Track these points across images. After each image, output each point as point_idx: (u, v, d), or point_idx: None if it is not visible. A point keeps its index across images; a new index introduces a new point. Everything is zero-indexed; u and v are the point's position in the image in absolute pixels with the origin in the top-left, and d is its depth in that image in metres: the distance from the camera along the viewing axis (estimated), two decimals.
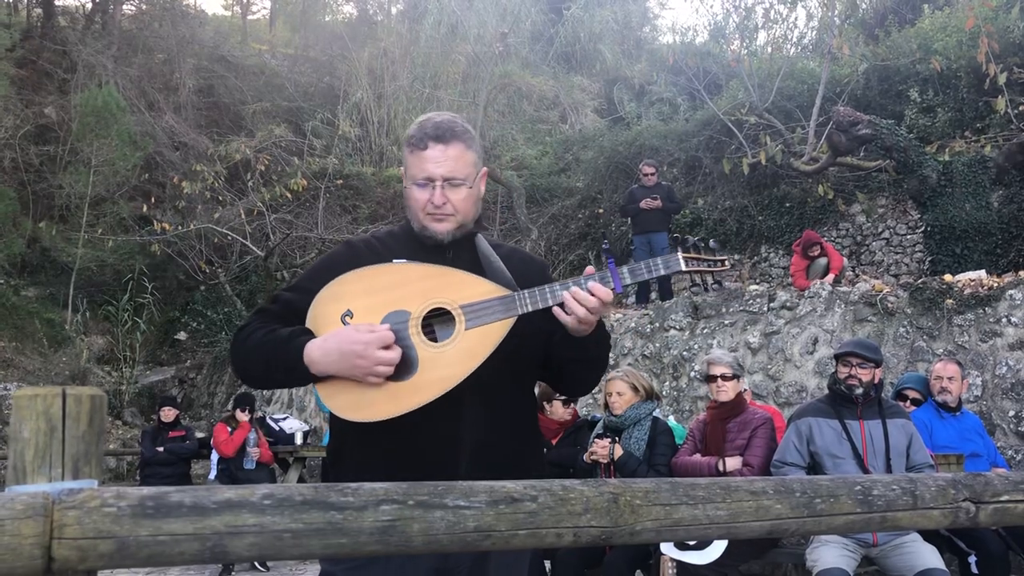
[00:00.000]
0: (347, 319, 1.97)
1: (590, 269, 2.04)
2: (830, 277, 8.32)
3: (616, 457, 4.75)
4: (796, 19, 25.85)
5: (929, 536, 4.16)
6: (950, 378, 5.28)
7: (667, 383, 8.57)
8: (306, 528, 1.21)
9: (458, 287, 2.01)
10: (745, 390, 5.21)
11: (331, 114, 20.07)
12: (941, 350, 7.06)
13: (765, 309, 8.24)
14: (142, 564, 1.16)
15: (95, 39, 21.52)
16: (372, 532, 1.25)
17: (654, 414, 5.03)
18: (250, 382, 2.20)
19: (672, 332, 8.82)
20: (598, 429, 5.10)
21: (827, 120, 10.82)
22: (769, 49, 15.04)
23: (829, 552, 4.08)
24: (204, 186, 16.63)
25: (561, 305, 1.97)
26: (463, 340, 1.97)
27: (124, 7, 24.22)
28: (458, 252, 2.13)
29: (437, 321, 2.01)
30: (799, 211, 11.84)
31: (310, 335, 1.97)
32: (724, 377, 4.79)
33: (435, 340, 1.99)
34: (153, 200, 17.86)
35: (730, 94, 13.94)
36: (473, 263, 2.11)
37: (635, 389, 4.96)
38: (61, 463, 1.18)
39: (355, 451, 2.04)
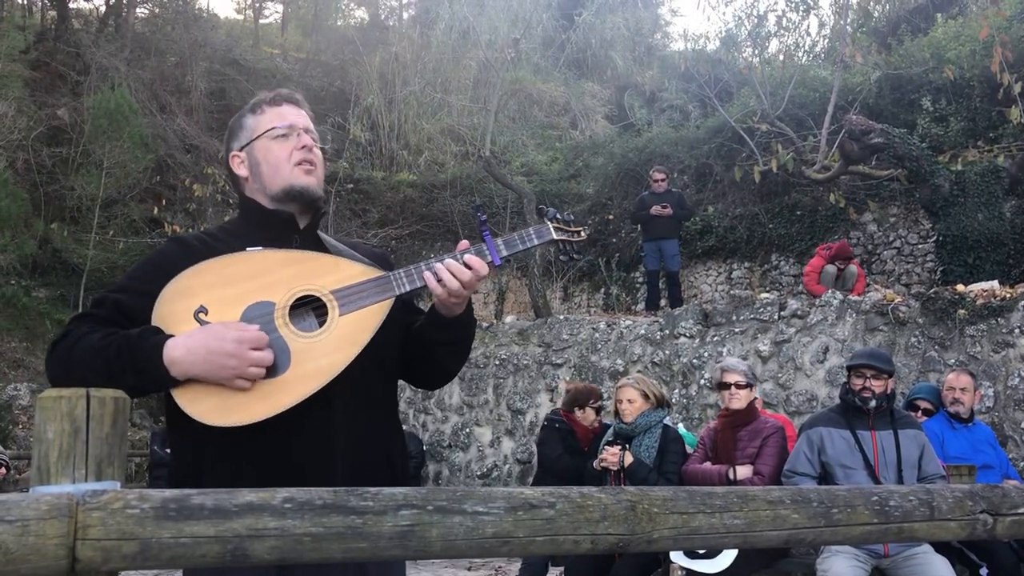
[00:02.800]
0: (201, 315, 1.76)
1: (464, 243, 1.96)
2: (851, 294, 8.33)
3: (626, 464, 4.74)
4: (808, 27, 25.79)
5: (941, 548, 4.14)
6: (963, 389, 5.26)
7: (677, 391, 8.55)
8: (326, 532, 1.21)
9: (325, 271, 1.86)
10: (756, 399, 5.21)
11: (342, 118, 20.12)
12: (953, 360, 7.04)
13: (776, 317, 8.22)
14: (164, 566, 1.16)
15: (108, 42, 21.62)
16: (391, 537, 1.25)
17: (664, 422, 5.02)
18: None
19: (682, 339, 8.81)
20: (608, 436, 5.10)
21: (839, 128, 10.80)
22: (781, 57, 15.01)
23: (840, 563, 4.07)
24: (215, 189, 16.69)
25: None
26: (339, 327, 1.81)
27: (137, 10, 24.35)
28: (305, 244, 1.98)
29: (303, 310, 1.84)
30: (810, 219, 11.81)
31: (162, 333, 1.74)
32: (738, 385, 4.78)
33: (304, 331, 1.81)
34: (164, 202, 17.93)
35: (741, 101, 13.93)
36: (320, 251, 1.97)
37: (646, 396, 4.96)
38: (85, 464, 1.19)
39: (219, 463, 1.80)
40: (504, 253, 1.96)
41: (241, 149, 2.02)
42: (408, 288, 1.89)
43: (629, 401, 4.96)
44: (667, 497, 1.46)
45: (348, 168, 18.29)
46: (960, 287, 7.80)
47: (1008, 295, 7.22)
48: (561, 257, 2.09)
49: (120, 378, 1.68)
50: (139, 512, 1.13)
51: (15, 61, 18.83)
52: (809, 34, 21.90)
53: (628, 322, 9.50)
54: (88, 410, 1.20)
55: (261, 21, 32.79)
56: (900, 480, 4.17)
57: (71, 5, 23.33)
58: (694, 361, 8.58)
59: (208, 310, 1.77)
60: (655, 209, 10.23)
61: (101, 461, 1.21)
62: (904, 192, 11.02)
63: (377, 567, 1.88)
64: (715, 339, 8.58)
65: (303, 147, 1.96)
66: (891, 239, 11.21)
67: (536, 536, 1.34)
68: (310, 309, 1.84)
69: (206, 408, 1.71)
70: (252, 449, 1.78)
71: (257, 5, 32.97)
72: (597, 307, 13.21)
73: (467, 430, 9.95)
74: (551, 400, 9.36)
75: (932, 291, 7.82)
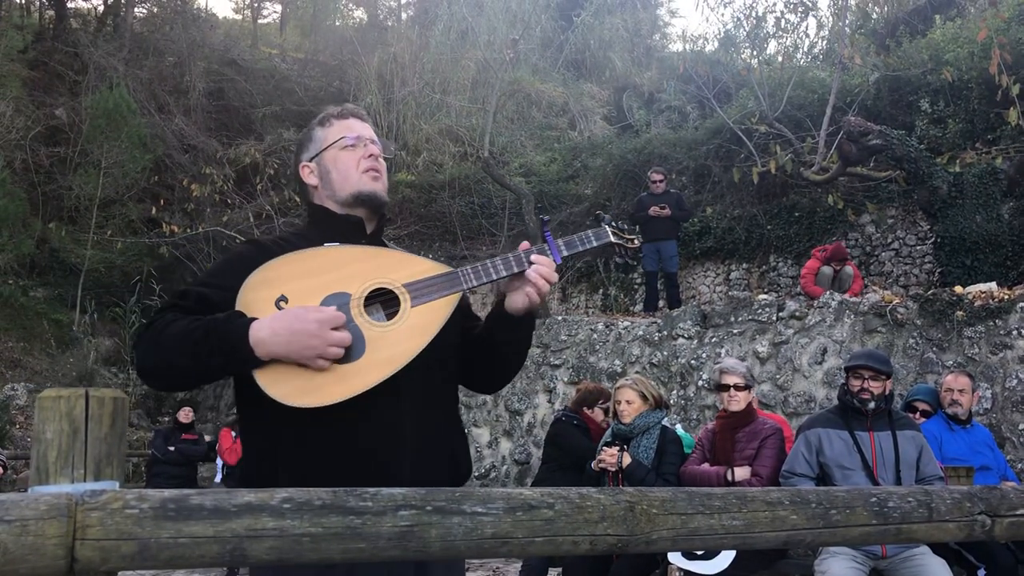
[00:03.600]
0: (282, 304, 1.86)
1: (525, 244, 2.06)
2: (848, 295, 8.34)
3: (624, 465, 4.74)
4: (807, 28, 25.82)
5: (938, 549, 4.15)
6: (961, 390, 5.26)
7: (675, 392, 8.56)
8: (325, 532, 1.21)
9: (397, 266, 1.97)
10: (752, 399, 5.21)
11: None
12: (951, 362, 7.04)
13: (774, 318, 8.23)
14: (163, 566, 1.16)
15: (106, 41, 21.61)
16: (390, 537, 1.25)
17: (663, 423, 5.02)
18: (161, 378, 1.95)
19: (680, 340, 8.81)
20: (606, 437, 5.10)
21: (837, 130, 10.81)
22: (780, 58, 15.03)
23: (838, 564, 4.07)
24: (213, 189, 16.69)
25: (504, 278, 2.00)
26: (410, 318, 1.91)
27: (136, 10, 24.33)
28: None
29: (377, 302, 1.95)
30: (808, 221, 11.82)
31: (246, 317, 1.84)
32: (737, 387, 4.78)
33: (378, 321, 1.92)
34: (162, 202, 17.93)
35: (740, 103, 13.93)
36: None
37: (644, 397, 4.96)
38: (84, 464, 1.19)
39: (293, 450, 1.88)
40: (565, 253, 2.08)
41: (311, 159, 2.14)
42: (475, 283, 1.99)
43: (627, 402, 4.96)
44: (666, 498, 1.46)
45: None
46: (958, 288, 7.81)
47: (1006, 296, 7.22)
48: (616, 259, 2.19)
49: (207, 359, 1.80)
50: (138, 512, 1.13)
51: (13, 61, 18.81)
52: (808, 35, 21.92)
53: (626, 323, 9.50)
54: (87, 410, 1.20)
55: (260, 21, 32.78)
56: (898, 481, 4.17)
57: (69, 5, 23.30)
58: (692, 362, 8.59)
59: (288, 299, 1.87)
60: (653, 210, 10.23)
61: (100, 461, 1.21)
62: (902, 193, 11.03)
63: (441, 568, 1.97)
64: (713, 340, 8.58)
65: (370, 156, 2.09)
66: (889, 240, 11.22)
67: (535, 537, 1.34)
68: (379, 303, 1.94)
69: (286, 390, 1.80)
70: (324, 436, 1.87)
71: (255, 5, 32.97)
72: (595, 308, 13.21)
73: (465, 430, 9.94)
74: (549, 401, 9.37)
75: (930, 292, 7.82)
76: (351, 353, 1.83)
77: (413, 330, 1.90)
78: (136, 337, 1.92)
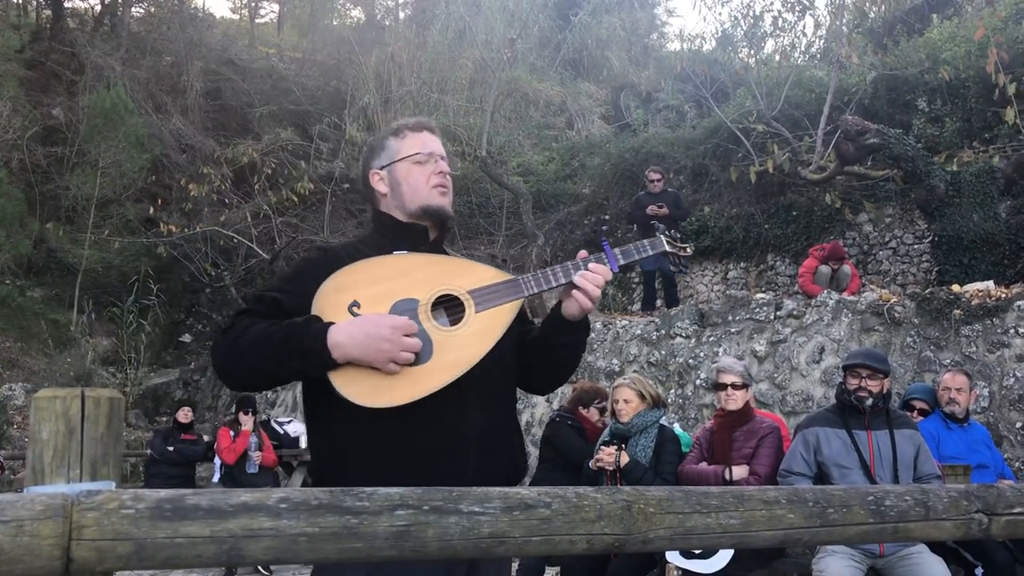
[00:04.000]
0: (355, 309, 1.97)
1: (583, 253, 2.16)
2: (845, 294, 8.35)
3: (622, 464, 4.74)
4: (804, 28, 25.86)
5: (936, 548, 4.15)
6: (958, 389, 5.26)
7: (673, 390, 8.56)
8: (321, 532, 1.21)
9: (461, 273, 2.07)
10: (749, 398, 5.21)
11: (338, 118, 20.08)
12: (948, 360, 7.05)
13: (772, 317, 8.23)
14: (159, 566, 1.16)
15: (104, 41, 21.58)
16: (387, 537, 1.25)
17: (661, 422, 5.02)
18: (240, 380, 2.05)
19: (678, 339, 8.81)
20: (604, 436, 5.10)
21: (835, 129, 10.81)
22: (777, 57, 15.02)
23: (835, 562, 4.07)
24: (211, 189, 16.67)
25: (563, 285, 2.11)
26: (475, 323, 2.01)
27: (133, 10, 24.31)
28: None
29: (442, 307, 2.04)
30: (806, 220, 11.82)
31: (323, 322, 1.94)
32: (734, 386, 4.78)
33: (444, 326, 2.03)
34: (160, 202, 17.90)
35: (737, 102, 13.93)
36: None
37: (642, 396, 4.96)
38: (79, 464, 1.19)
39: (360, 448, 1.99)
40: (622, 261, 2.18)
41: (382, 168, 2.24)
42: (535, 290, 2.10)
43: (625, 401, 4.96)
44: (663, 497, 1.46)
45: (344, 168, 18.27)
46: (956, 287, 7.81)
47: (1003, 295, 7.22)
48: (671, 267, 2.30)
49: (285, 362, 1.91)
50: (134, 512, 1.13)
51: (10, 60, 18.78)
52: (805, 35, 21.91)
53: (624, 322, 9.50)
54: (83, 410, 1.20)
55: (257, 21, 32.76)
56: (896, 480, 4.18)
57: (66, 4, 23.28)
58: (690, 361, 8.59)
59: (361, 304, 1.98)
60: (651, 209, 10.22)
61: (96, 461, 1.21)
62: (900, 192, 11.03)
63: (486, 569, 2.05)
64: (711, 339, 8.58)
65: (440, 172, 2.20)
66: (887, 239, 11.22)
67: (532, 536, 1.34)
68: (444, 308, 2.04)
69: (359, 390, 1.91)
70: (390, 434, 1.96)
71: (253, 5, 32.95)
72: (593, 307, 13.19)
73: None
74: (547, 400, 9.36)
75: (928, 291, 7.83)
76: (420, 356, 1.94)
77: (477, 335, 2.01)
78: (215, 339, 2.02)
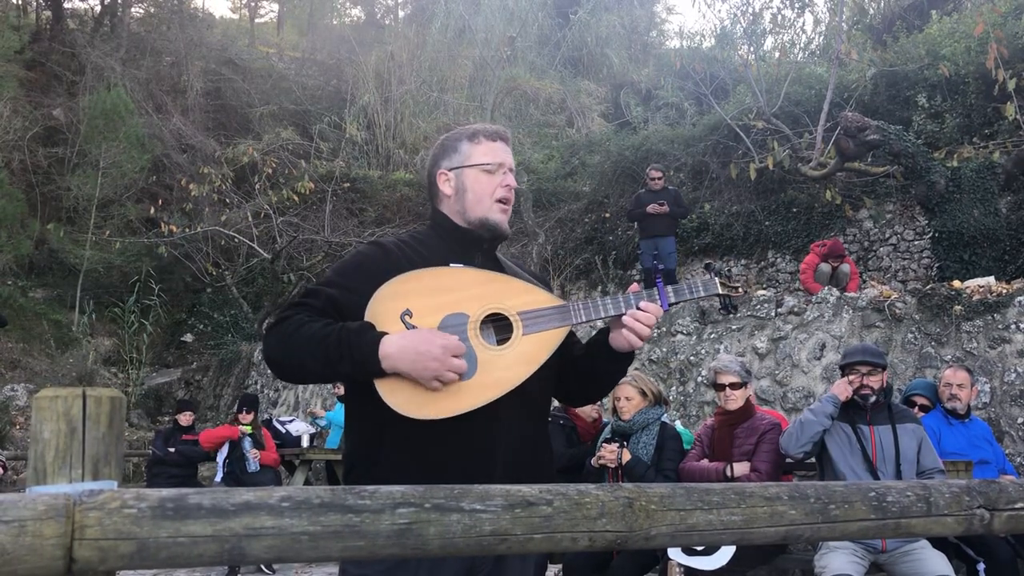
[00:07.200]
0: (407, 318, 2.00)
1: (635, 287, 2.20)
2: (847, 292, 8.34)
3: (624, 462, 4.74)
4: (804, 24, 25.85)
5: (938, 543, 4.15)
6: (960, 385, 5.25)
7: (674, 388, 8.56)
8: (324, 531, 1.21)
9: (514, 293, 2.09)
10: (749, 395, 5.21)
11: (338, 117, 20.10)
12: (949, 356, 7.04)
13: (772, 314, 8.23)
14: (161, 565, 1.16)
15: (104, 41, 21.59)
16: (389, 535, 1.25)
17: (662, 419, 5.02)
18: (290, 372, 2.08)
19: (679, 337, 8.82)
20: (606, 433, 5.10)
21: (835, 125, 10.80)
22: (777, 54, 15.00)
23: (838, 558, 4.07)
24: (211, 188, 16.67)
25: (612, 317, 2.14)
26: (521, 345, 2.04)
27: (133, 10, 24.31)
28: (485, 262, 2.22)
29: (491, 325, 2.07)
30: (806, 216, 11.82)
31: (376, 330, 1.98)
32: (733, 386, 4.78)
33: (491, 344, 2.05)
34: (160, 202, 17.91)
35: (737, 99, 13.93)
36: (498, 271, 2.21)
37: (643, 394, 4.96)
38: (81, 464, 1.19)
39: (391, 455, 2.03)
40: (672, 300, 2.20)
41: (451, 170, 2.23)
42: (583, 319, 2.12)
43: (627, 399, 4.96)
44: (664, 494, 1.45)
45: (344, 167, 18.27)
46: (956, 283, 7.80)
47: (1004, 291, 7.22)
48: (720, 311, 2.31)
49: (336, 365, 1.95)
50: (136, 512, 1.13)
51: (10, 61, 18.79)
52: (804, 31, 21.92)
53: None
54: (84, 410, 1.20)
55: (257, 20, 32.75)
56: (898, 475, 4.18)
57: (66, 5, 23.27)
58: (691, 358, 8.59)
59: (412, 313, 2.01)
60: (651, 207, 10.22)
61: (98, 461, 1.21)
62: (900, 189, 11.02)
63: (511, 567, 2.09)
64: (712, 336, 8.58)
65: (506, 186, 2.21)
66: (887, 236, 11.21)
67: (534, 533, 1.34)
68: (493, 326, 2.07)
69: (402, 400, 1.95)
70: (424, 442, 2.00)
71: (253, 4, 32.94)
72: None
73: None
74: None
75: (928, 287, 7.82)
76: (466, 372, 1.97)
77: (522, 357, 2.03)
78: (268, 327, 2.07)
